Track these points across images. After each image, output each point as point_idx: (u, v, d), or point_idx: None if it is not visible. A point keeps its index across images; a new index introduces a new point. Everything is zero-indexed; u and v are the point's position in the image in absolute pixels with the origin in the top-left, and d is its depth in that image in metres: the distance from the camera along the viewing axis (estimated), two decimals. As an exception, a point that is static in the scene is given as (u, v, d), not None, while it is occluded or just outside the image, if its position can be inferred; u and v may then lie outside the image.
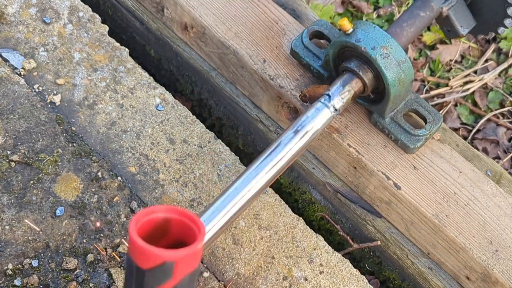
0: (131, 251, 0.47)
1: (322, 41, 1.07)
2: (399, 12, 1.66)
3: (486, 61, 1.61)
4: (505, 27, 1.00)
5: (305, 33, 1.03)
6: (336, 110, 0.91)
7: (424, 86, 1.59)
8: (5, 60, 1.07)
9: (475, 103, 1.57)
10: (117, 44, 1.13)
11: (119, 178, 1.00)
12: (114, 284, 0.92)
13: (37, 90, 1.05)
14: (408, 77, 0.91)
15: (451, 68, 1.61)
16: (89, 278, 0.92)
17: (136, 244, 0.46)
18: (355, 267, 1.00)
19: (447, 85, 1.58)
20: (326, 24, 1.04)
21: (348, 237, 1.07)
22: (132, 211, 0.98)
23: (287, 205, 1.03)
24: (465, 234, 0.94)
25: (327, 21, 1.06)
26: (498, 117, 1.55)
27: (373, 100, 0.98)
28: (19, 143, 1.00)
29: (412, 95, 0.98)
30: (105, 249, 0.95)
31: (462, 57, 1.64)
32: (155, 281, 0.47)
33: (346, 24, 0.90)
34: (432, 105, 1.05)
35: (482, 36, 1.03)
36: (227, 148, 1.07)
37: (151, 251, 0.45)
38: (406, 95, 0.96)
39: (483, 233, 0.94)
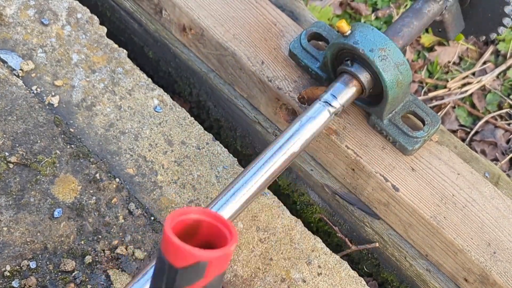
0: (165, 249, 0.48)
1: (320, 42, 1.07)
2: (397, 14, 1.66)
3: (484, 63, 1.62)
4: (505, 26, 1.00)
5: (304, 35, 1.03)
6: (334, 111, 0.91)
7: (422, 88, 1.59)
8: (3, 62, 1.07)
9: (473, 105, 1.57)
10: (115, 46, 1.13)
11: (117, 179, 1.00)
12: (112, 285, 0.92)
13: (35, 92, 1.05)
14: (406, 79, 0.91)
15: (449, 70, 1.61)
16: (87, 279, 0.92)
17: (173, 242, 0.47)
18: (353, 269, 1.00)
19: (445, 87, 1.58)
20: (324, 26, 1.04)
21: (346, 239, 1.07)
22: (130, 213, 0.98)
23: (285, 207, 1.03)
24: (463, 236, 0.94)
25: (325, 23, 1.06)
26: (496, 119, 1.55)
27: (371, 102, 0.98)
28: (17, 145, 1.00)
29: (410, 97, 0.98)
30: (103, 250, 0.94)
31: (460, 59, 1.64)
32: (187, 280, 0.49)
33: (344, 26, 0.90)
34: (430, 107, 1.05)
35: (484, 37, 1.03)
36: (225, 149, 1.07)
37: (187, 250, 0.47)
38: (404, 97, 0.97)
39: (481, 235, 0.94)
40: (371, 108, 0.97)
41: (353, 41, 0.89)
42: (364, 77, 0.91)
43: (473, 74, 1.61)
